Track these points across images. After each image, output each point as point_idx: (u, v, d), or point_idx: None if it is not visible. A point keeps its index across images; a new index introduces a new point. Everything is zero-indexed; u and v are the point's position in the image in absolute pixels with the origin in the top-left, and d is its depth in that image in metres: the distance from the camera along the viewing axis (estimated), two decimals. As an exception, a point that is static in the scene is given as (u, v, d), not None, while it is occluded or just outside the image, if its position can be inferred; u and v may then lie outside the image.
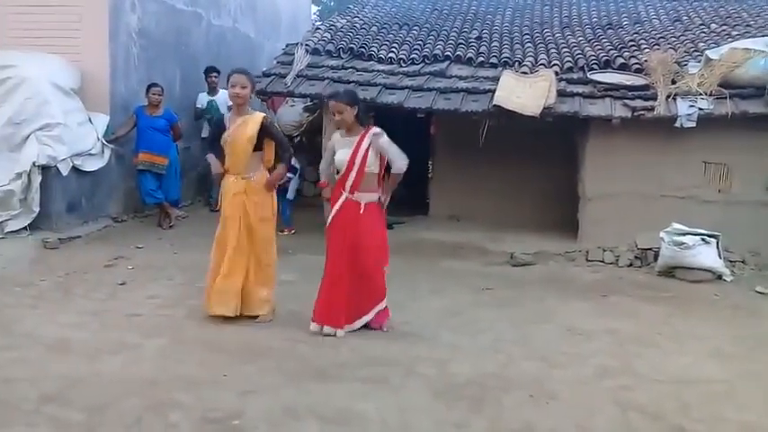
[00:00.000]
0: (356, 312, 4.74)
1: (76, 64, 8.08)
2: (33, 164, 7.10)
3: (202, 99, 9.48)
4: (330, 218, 4.80)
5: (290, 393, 3.75)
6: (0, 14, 8.20)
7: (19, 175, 7.08)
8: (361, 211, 4.70)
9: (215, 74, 9.38)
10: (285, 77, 8.25)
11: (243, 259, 4.86)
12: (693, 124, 7.16)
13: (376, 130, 4.74)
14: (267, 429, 3.36)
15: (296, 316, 5.07)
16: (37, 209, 7.15)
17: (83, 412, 3.45)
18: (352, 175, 4.69)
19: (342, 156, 4.73)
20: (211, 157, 5.04)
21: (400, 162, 4.70)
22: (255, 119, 4.86)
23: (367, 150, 4.67)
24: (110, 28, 8.27)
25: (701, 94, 7.26)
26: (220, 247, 4.92)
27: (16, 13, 8.12)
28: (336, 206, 4.76)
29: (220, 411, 3.51)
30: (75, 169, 7.63)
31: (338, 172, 4.81)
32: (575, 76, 8.15)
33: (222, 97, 9.06)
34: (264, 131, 4.86)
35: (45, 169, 7.21)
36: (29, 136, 7.24)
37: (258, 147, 4.87)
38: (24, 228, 7.11)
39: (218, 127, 5.06)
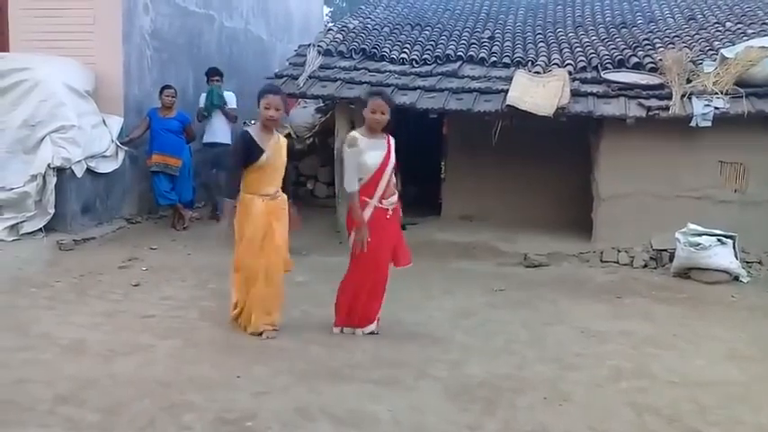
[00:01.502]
0: (375, 312, 4.75)
1: (90, 66, 8.13)
2: (48, 166, 7.15)
3: (203, 99, 8.91)
4: (364, 231, 4.50)
5: (302, 394, 3.75)
6: (14, 18, 8.29)
7: (34, 177, 7.13)
8: (389, 216, 4.62)
9: (217, 77, 8.84)
10: (297, 79, 8.26)
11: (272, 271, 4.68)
12: (709, 124, 7.09)
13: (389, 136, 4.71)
14: (280, 430, 3.35)
15: (308, 317, 5.07)
16: (52, 210, 7.20)
17: (97, 413, 3.46)
18: (383, 181, 4.54)
19: (373, 159, 4.51)
20: (228, 204, 4.69)
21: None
22: (283, 143, 4.78)
23: (395, 156, 4.64)
24: (123, 30, 8.32)
25: (716, 94, 7.20)
26: (252, 272, 4.64)
27: (30, 16, 8.18)
28: (366, 217, 4.52)
29: (234, 412, 3.51)
30: (89, 171, 7.68)
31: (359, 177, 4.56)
32: (588, 75, 8.10)
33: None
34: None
35: (60, 171, 7.26)
36: (44, 138, 7.29)
37: None
38: (39, 229, 7.16)
39: (246, 143, 4.57)
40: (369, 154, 4.50)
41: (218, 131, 8.77)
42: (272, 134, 4.66)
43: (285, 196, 4.78)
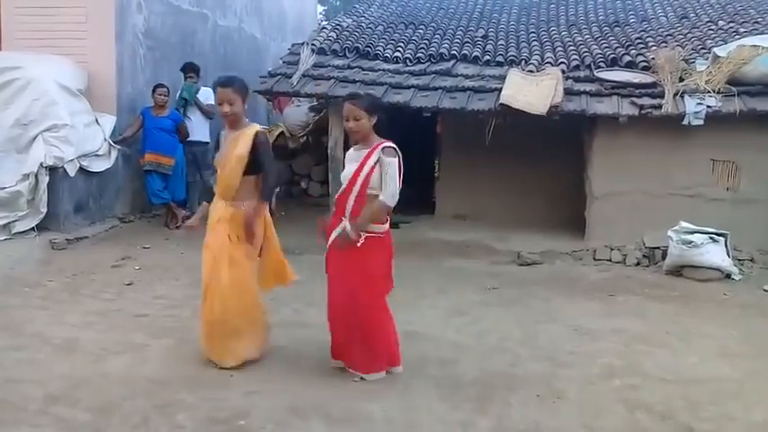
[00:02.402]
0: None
1: (83, 65, 8.11)
2: (41, 165, 7.13)
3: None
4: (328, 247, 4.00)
5: (295, 393, 3.75)
6: (7, 16, 8.25)
7: (26, 176, 7.10)
8: (359, 244, 3.81)
9: (192, 74, 8.57)
10: (291, 77, 8.25)
11: (214, 295, 4.00)
12: (701, 122, 7.12)
13: (389, 143, 3.88)
14: (273, 429, 3.36)
15: (301, 315, 5.07)
16: (44, 210, 7.18)
17: (89, 412, 3.46)
18: (352, 197, 3.84)
19: (347, 171, 3.94)
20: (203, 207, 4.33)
21: (390, 194, 3.80)
22: (248, 133, 4.03)
23: (373, 168, 3.83)
24: (116, 29, 8.29)
25: (708, 92, 7.22)
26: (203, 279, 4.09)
27: (23, 14, 8.15)
28: (334, 234, 3.91)
29: (226, 411, 3.51)
30: (82, 170, 7.66)
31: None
32: (581, 74, 8.12)
33: (202, 95, 8.55)
34: (254, 150, 4.00)
35: (52, 170, 7.24)
36: (36, 137, 7.27)
37: (250, 169, 4.03)
38: (32, 228, 7.14)
39: (218, 140, 4.27)
40: (347, 166, 3.98)
41: (196, 129, 8.52)
42: (233, 131, 4.09)
43: (242, 211, 4.03)
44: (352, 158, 3.95)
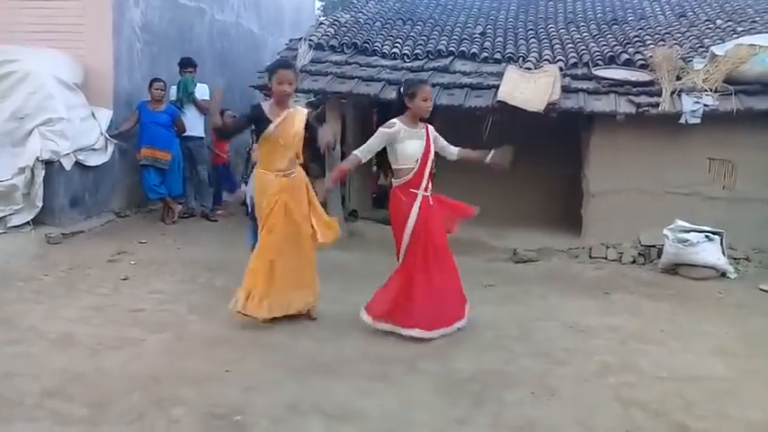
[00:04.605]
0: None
1: (80, 59, 8.07)
2: (36, 159, 7.10)
3: (174, 92, 8.68)
4: (413, 220, 4.62)
5: (292, 389, 3.75)
6: (4, 9, 8.21)
7: (22, 170, 7.08)
8: (432, 203, 4.75)
9: (191, 68, 8.67)
10: (288, 73, 8.21)
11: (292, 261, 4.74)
12: (698, 121, 7.12)
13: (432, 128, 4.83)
14: (269, 425, 3.36)
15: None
16: (40, 204, 7.16)
17: (85, 407, 3.46)
18: (427, 172, 4.72)
19: (413, 148, 4.68)
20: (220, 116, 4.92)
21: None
22: (301, 114, 4.72)
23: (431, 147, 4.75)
24: (113, 23, 8.26)
25: (706, 91, 7.22)
26: (269, 250, 4.67)
27: (20, 8, 8.12)
28: (416, 206, 4.64)
29: (223, 407, 3.51)
30: (78, 164, 7.63)
31: (392, 165, 4.76)
32: (579, 71, 8.11)
33: (197, 91, 8.61)
34: (308, 128, 4.72)
35: (48, 164, 7.21)
36: (32, 131, 7.24)
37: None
38: (27, 222, 7.11)
39: (255, 113, 4.72)
40: (408, 143, 4.66)
41: (191, 125, 8.56)
42: (284, 109, 4.66)
43: (302, 173, 4.77)
44: (412, 135, 4.71)
